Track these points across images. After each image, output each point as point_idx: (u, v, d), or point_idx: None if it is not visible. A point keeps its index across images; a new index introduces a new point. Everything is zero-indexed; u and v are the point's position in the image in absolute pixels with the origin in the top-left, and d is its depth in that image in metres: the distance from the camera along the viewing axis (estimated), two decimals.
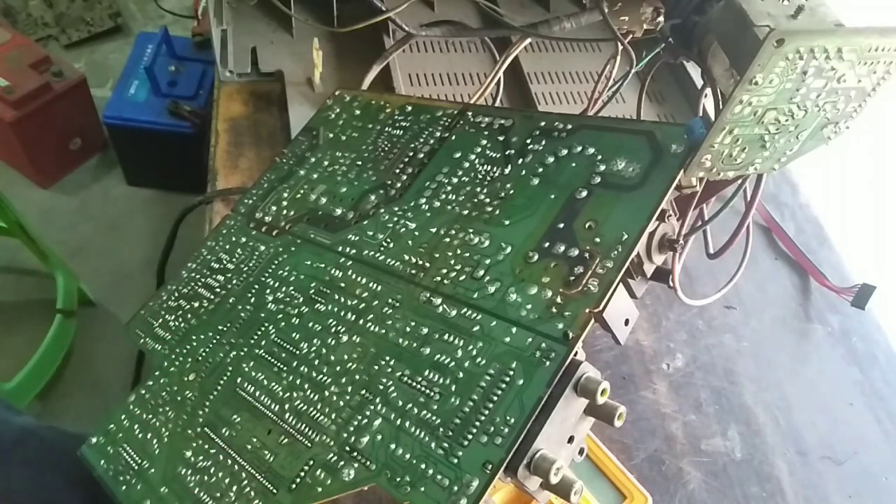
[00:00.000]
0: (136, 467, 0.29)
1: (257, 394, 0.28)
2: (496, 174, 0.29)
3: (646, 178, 0.25)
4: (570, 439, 0.23)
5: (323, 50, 0.47)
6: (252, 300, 0.32)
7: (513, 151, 0.30)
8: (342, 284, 0.30)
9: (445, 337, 0.25)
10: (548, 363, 0.22)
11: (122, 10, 1.26)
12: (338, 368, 0.27)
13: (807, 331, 0.51)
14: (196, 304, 0.34)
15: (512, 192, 0.28)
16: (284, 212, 0.35)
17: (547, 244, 0.25)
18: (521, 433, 0.21)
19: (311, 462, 0.25)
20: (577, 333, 0.22)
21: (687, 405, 0.43)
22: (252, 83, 0.51)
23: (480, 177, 0.30)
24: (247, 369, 0.29)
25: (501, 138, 0.31)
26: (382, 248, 0.30)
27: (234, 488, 0.26)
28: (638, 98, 0.41)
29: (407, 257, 0.29)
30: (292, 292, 0.31)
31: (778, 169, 0.27)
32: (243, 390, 0.29)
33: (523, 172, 0.29)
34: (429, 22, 0.45)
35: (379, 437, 0.24)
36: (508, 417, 0.22)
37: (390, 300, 0.28)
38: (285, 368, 0.28)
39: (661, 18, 0.36)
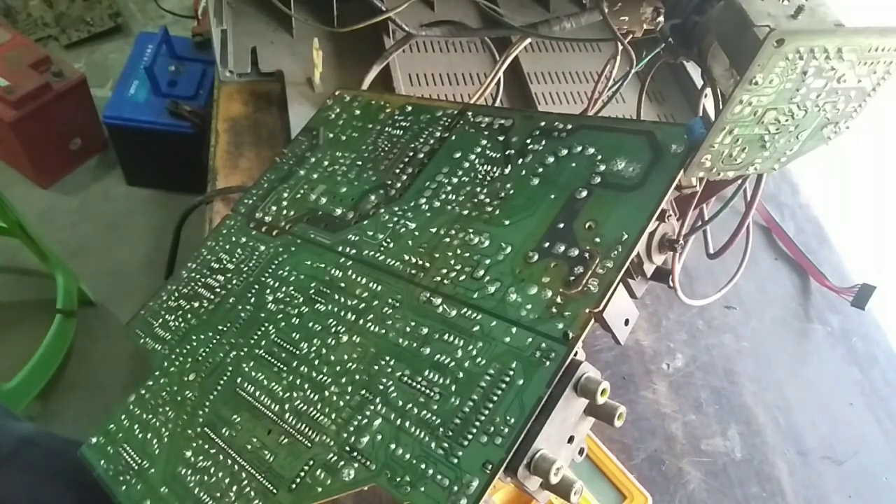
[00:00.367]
0: (136, 467, 0.29)
1: (257, 394, 0.28)
2: (496, 174, 0.29)
3: (646, 178, 0.25)
4: (570, 439, 0.23)
5: (323, 50, 0.47)
6: (252, 300, 0.32)
7: (513, 151, 0.30)
8: (342, 284, 0.30)
9: (445, 337, 0.25)
10: (548, 363, 0.22)
11: (122, 10, 1.26)
12: (338, 368, 0.27)
13: (807, 331, 0.51)
14: (196, 304, 0.34)
15: (512, 192, 0.28)
16: (284, 212, 0.35)
17: (547, 244, 0.25)
18: (521, 433, 0.21)
19: (311, 462, 0.25)
20: (577, 333, 0.22)
21: (687, 405, 0.43)
22: (252, 83, 0.51)
23: (480, 177, 0.30)
24: (247, 369, 0.29)
25: (501, 138, 0.31)
26: (382, 248, 0.30)
27: (234, 488, 0.26)
28: (638, 98, 0.41)
29: (407, 257, 0.29)
30: (292, 292, 0.31)
31: (778, 169, 0.27)
32: (243, 390, 0.29)
33: (523, 172, 0.29)
34: (429, 22, 0.45)
35: (379, 437, 0.24)
36: (508, 417, 0.22)
37: (390, 300, 0.28)
38: (285, 368, 0.28)
39: (661, 18, 0.36)
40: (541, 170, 0.28)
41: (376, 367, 0.26)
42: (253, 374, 0.29)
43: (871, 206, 0.68)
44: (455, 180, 0.31)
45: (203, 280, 0.35)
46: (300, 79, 0.50)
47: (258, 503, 0.25)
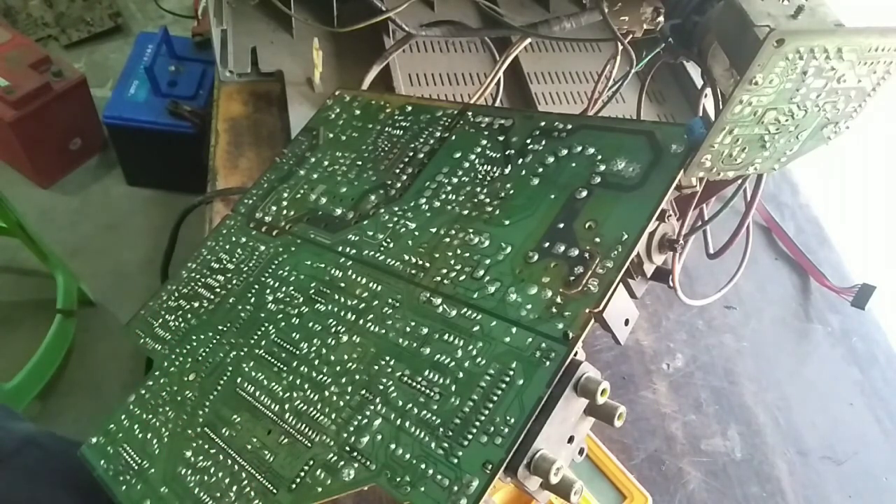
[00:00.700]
0: (136, 467, 0.29)
1: (257, 394, 0.28)
2: (496, 174, 0.29)
3: (646, 178, 0.25)
4: (570, 439, 0.23)
5: (323, 50, 0.47)
6: (252, 300, 0.32)
7: (513, 151, 0.30)
8: (342, 284, 0.30)
9: (445, 337, 0.25)
10: (548, 363, 0.22)
11: (122, 10, 1.26)
12: (338, 368, 0.27)
13: (807, 331, 0.51)
14: (196, 304, 0.34)
15: (512, 192, 0.28)
16: (284, 212, 0.35)
17: (547, 244, 0.25)
18: (521, 433, 0.21)
19: (311, 462, 0.25)
20: (577, 333, 0.22)
21: (687, 405, 0.43)
22: (252, 83, 0.51)
23: (480, 177, 0.30)
24: (247, 369, 0.29)
25: (501, 138, 0.31)
26: (382, 248, 0.30)
27: (234, 488, 0.26)
28: (638, 98, 0.41)
29: (407, 257, 0.29)
30: (292, 292, 0.31)
31: (778, 169, 0.27)
32: (243, 390, 0.29)
33: (523, 172, 0.29)
34: (429, 22, 0.45)
35: (379, 437, 0.24)
36: (508, 417, 0.22)
37: (390, 300, 0.28)
38: (285, 368, 0.28)
39: (661, 18, 0.36)
40: (541, 170, 0.28)
41: (376, 367, 0.26)
42: (253, 374, 0.29)
43: (872, 206, 0.68)
44: (455, 180, 0.31)
45: (203, 280, 0.35)
46: (300, 79, 0.50)
47: (258, 503, 0.25)
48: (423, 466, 0.22)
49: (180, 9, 1.27)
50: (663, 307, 0.48)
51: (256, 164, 0.46)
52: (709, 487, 0.40)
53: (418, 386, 0.24)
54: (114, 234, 1.01)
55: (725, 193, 0.31)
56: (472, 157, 0.31)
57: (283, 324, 0.30)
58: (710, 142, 0.23)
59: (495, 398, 0.22)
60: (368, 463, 0.23)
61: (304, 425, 0.26)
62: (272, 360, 0.29)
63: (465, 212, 0.29)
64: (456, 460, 0.22)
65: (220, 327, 0.32)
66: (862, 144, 0.64)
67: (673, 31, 0.34)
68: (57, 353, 0.83)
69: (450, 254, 0.28)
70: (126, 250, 0.98)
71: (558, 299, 0.24)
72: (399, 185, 0.32)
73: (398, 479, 0.22)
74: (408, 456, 0.23)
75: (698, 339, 0.47)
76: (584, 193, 0.26)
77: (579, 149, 0.28)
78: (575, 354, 0.22)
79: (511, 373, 0.23)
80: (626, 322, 0.25)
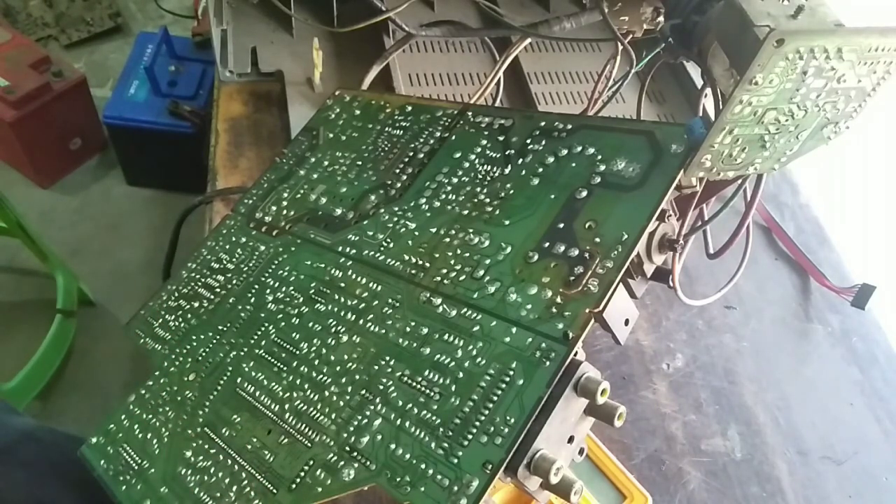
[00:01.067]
0: (136, 467, 0.29)
1: (257, 394, 0.28)
2: (496, 174, 0.29)
3: (646, 178, 0.25)
4: (570, 439, 0.23)
5: (323, 50, 0.47)
6: (252, 300, 0.32)
7: (513, 151, 0.30)
8: (342, 284, 0.30)
9: (445, 337, 0.25)
10: (548, 363, 0.22)
11: (122, 10, 1.26)
12: (338, 368, 0.27)
13: (807, 331, 0.51)
14: (196, 304, 0.34)
15: (512, 192, 0.28)
16: (284, 212, 0.35)
17: (547, 244, 0.25)
18: (521, 433, 0.21)
19: (311, 462, 0.25)
20: (577, 333, 0.22)
21: (687, 405, 0.43)
22: (252, 83, 0.51)
23: (480, 177, 0.30)
24: (247, 369, 0.29)
25: (501, 138, 0.31)
26: (382, 248, 0.30)
27: (234, 488, 0.26)
28: (638, 98, 0.41)
29: (407, 257, 0.29)
30: (292, 292, 0.31)
31: (778, 169, 0.27)
32: (243, 390, 0.29)
33: (523, 172, 0.29)
34: (429, 22, 0.45)
35: (379, 437, 0.24)
36: (508, 417, 0.22)
37: (390, 300, 0.28)
38: (285, 368, 0.28)
39: (661, 18, 0.36)
40: (541, 170, 0.28)
41: (376, 367, 0.26)
42: (253, 374, 0.29)
43: (872, 206, 0.68)
44: (455, 180, 0.31)
45: (203, 280, 0.35)
46: (300, 79, 0.50)
47: (258, 503, 0.25)
48: (423, 466, 0.22)
49: (180, 9, 1.27)
50: (663, 307, 0.48)
51: (256, 164, 0.46)
52: (709, 487, 0.40)
53: (418, 386, 0.24)
54: (114, 234, 1.01)
55: (725, 193, 0.31)
56: (472, 157, 0.31)
57: (283, 324, 0.30)
58: (710, 142, 0.23)
59: (495, 398, 0.22)
60: (368, 463, 0.23)
61: (304, 425, 0.26)
62: (272, 360, 0.29)
63: (465, 212, 0.29)
64: (456, 460, 0.22)
65: (220, 327, 0.32)
66: (862, 144, 0.64)
67: (673, 31, 0.34)
68: (57, 353, 0.83)
69: (450, 254, 0.28)
70: (126, 250, 0.98)
71: (558, 299, 0.24)
72: (399, 185, 0.32)
73: (398, 479, 0.22)
74: (408, 456, 0.23)
75: (698, 339, 0.47)
76: (584, 193, 0.26)
77: (579, 149, 0.28)
78: (575, 354, 0.22)
79: (511, 373, 0.23)
80: (626, 322, 0.25)
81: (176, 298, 0.35)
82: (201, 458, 0.28)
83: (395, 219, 0.31)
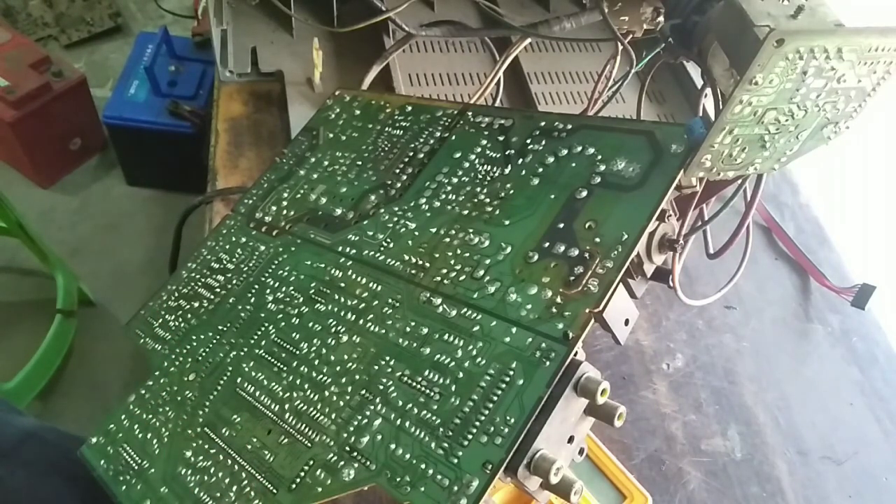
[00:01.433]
0: (136, 467, 0.29)
1: (257, 394, 0.28)
2: (496, 174, 0.29)
3: (646, 178, 0.25)
4: (570, 439, 0.23)
5: (323, 50, 0.47)
6: (252, 300, 0.32)
7: (513, 151, 0.30)
8: (342, 284, 0.30)
9: (445, 337, 0.25)
10: (548, 363, 0.22)
11: (122, 10, 1.26)
12: (338, 368, 0.27)
13: (807, 331, 0.51)
14: (196, 304, 0.34)
15: (512, 192, 0.28)
16: (284, 212, 0.35)
17: (547, 244, 0.25)
18: (521, 433, 0.21)
19: (311, 462, 0.25)
20: (577, 333, 0.22)
21: (687, 405, 0.43)
22: (252, 83, 0.51)
23: (480, 177, 0.30)
24: (247, 369, 0.29)
25: (501, 138, 0.31)
26: (382, 248, 0.30)
27: (234, 488, 0.26)
28: (638, 98, 0.41)
29: (407, 257, 0.29)
30: (292, 292, 0.31)
31: (778, 169, 0.27)
32: (243, 390, 0.29)
33: (523, 172, 0.29)
34: (429, 22, 0.45)
35: (379, 437, 0.24)
36: (508, 417, 0.22)
37: (390, 300, 0.28)
38: (285, 368, 0.28)
39: (661, 18, 0.36)
40: (541, 170, 0.28)
41: (376, 367, 0.26)
42: (253, 374, 0.29)
43: (872, 206, 0.68)
44: (455, 180, 0.31)
45: (203, 280, 0.35)
46: (300, 79, 0.50)
47: (258, 503, 0.25)
48: (423, 466, 0.22)
49: (180, 9, 1.27)
50: (663, 307, 0.48)
51: (256, 164, 0.46)
52: (709, 487, 0.40)
53: (418, 386, 0.24)
54: (114, 234, 1.01)
55: (725, 193, 0.31)
56: (472, 157, 0.31)
57: (283, 324, 0.30)
58: (710, 142, 0.23)
59: (495, 398, 0.22)
60: (368, 463, 0.23)
61: (304, 425, 0.26)
62: (272, 360, 0.29)
63: (465, 212, 0.29)
64: (456, 460, 0.22)
65: (220, 327, 0.32)
66: (862, 144, 0.64)
67: (673, 31, 0.34)
68: (57, 353, 0.83)
69: (450, 254, 0.28)
70: (126, 250, 0.98)
71: (558, 299, 0.24)
72: (399, 185, 0.32)
73: (398, 479, 0.22)
74: (408, 456, 0.23)
75: (698, 339, 0.47)
76: (584, 193, 0.26)
77: (579, 149, 0.28)
78: (575, 354, 0.22)
79: (511, 373, 0.23)
80: (626, 322, 0.25)
81: (176, 298, 0.35)
82: (201, 458, 0.28)
83: (395, 219, 0.31)
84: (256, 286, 0.33)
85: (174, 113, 0.89)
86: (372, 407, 0.25)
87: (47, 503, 0.35)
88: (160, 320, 0.34)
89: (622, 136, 0.27)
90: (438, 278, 0.27)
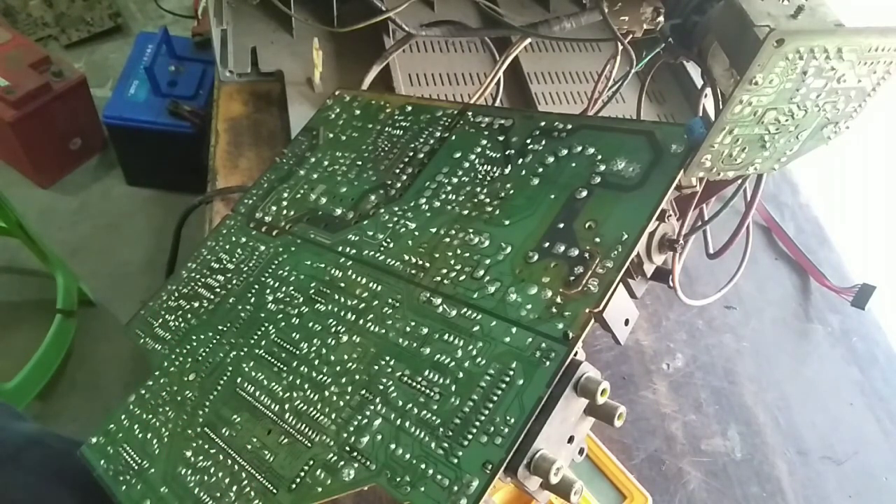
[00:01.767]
0: (136, 467, 0.29)
1: (257, 394, 0.28)
2: (496, 174, 0.29)
3: (646, 178, 0.25)
4: (570, 439, 0.23)
5: (323, 50, 0.47)
6: (252, 300, 0.32)
7: (513, 151, 0.30)
8: (342, 284, 0.30)
9: (445, 337, 0.25)
10: (548, 363, 0.22)
11: (122, 10, 1.26)
12: (338, 368, 0.27)
13: (807, 331, 0.51)
14: (196, 304, 0.34)
15: (512, 192, 0.28)
16: (284, 212, 0.35)
17: (547, 244, 0.25)
18: (521, 433, 0.21)
19: (311, 462, 0.25)
20: (577, 333, 0.22)
21: (687, 405, 0.43)
22: (252, 83, 0.51)
23: (480, 177, 0.30)
24: (247, 369, 0.29)
25: (501, 138, 0.31)
26: (382, 248, 0.30)
27: (234, 488, 0.26)
28: (638, 98, 0.41)
29: (407, 257, 0.29)
30: (292, 292, 0.31)
31: (778, 169, 0.27)
32: (243, 390, 0.29)
33: (523, 172, 0.29)
34: (429, 22, 0.45)
35: (379, 437, 0.24)
36: (508, 417, 0.22)
37: (390, 300, 0.28)
38: (285, 368, 0.28)
39: (661, 18, 0.36)
40: (541, 170, 0.28)
41: (376, 367, 0.26)
42: (253, 374, 0.29)
43: (872, 206, 0.68)
44: (455, 180, 0.31)
45: (203, 280, 0.35)
46: (300, 79, 0.50)
47: (258, 503, 0.25)
48: (423, 466, 0.22)
49: (180, 9, 1.27)
50: (663, 307, 0.48)
51: (256, 164, 0.46)
52: (709, 487, 0.40)
53: (418, 386, 0.24)
54: (114, 234, 1.01)
55: (725, 193, 0.31)
56: (472, 157, 0.31)
57: (283, 324, 0.30)
58: (710, 142, 0.23)
59: (495, 398, 0.22)
60: (368, 463, 0.23)
61: (304, 425, 0.26)
62: (272, 360, 0.29)
63: (465, 212, 0.29)
64: (456, 460, 0.22)
65: (220, 327, 0.32)
66: (862, 144, 0.64)
67: (673, 31, 0.34)
68: (57, 353, 0.83)
69: (450, 254, 0.28)
70: (126, 250, 0.98)
71: (558, 299, 0.24)
72: (399, 185, 0.32)
73: (398, 479, 0.22)
74: (408, 456, 0.23)
75: (698, 339, 0.47)
76: (584, 193, 0.26)
77: (579, 149, 0.28)
78: (575, 354, 0.22)
79: (511, 373, 0.23)
80: (626, 322, 0.25)
81: (176, 298, 0.35)
82: (201, 457, 0.28)
83: (395, 219, 0.31)
84: (256, 286, 0.33)
85: (174, 113, 0.89)
86: (372, 407, 0.25)
87: None
88: (160, 320, 0.34)
89: (622, 136, 0.27)
90: (438, 278, 0.27)
